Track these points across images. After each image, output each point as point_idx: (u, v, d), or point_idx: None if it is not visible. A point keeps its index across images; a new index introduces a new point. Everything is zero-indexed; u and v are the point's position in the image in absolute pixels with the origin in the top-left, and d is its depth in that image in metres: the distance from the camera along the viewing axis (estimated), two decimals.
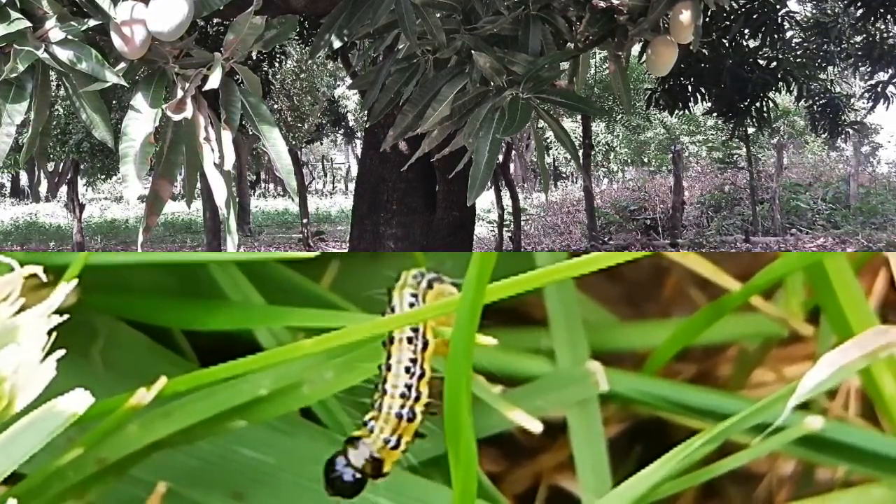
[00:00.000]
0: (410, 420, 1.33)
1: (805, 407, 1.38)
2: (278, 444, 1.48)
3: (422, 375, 1.35)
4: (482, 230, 11.47)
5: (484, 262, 1.25)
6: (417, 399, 1.34)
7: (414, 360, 1.35)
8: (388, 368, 1.36)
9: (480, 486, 1.38)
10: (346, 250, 7.07)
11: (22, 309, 1.23)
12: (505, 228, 9.01)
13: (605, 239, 11.77)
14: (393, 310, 1.38)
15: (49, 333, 1.22)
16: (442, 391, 1.33)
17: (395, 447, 1.32)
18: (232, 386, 1.41)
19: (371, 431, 1.32)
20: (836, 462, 1.52)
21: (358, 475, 1.30)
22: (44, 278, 1.27)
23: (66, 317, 1.23)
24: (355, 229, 4.38)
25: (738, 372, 1.70)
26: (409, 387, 1.34)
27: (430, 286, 1.39)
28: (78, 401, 1.19)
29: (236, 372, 1.39)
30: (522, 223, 9.99)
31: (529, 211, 14.63)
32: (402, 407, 1.33)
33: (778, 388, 1.45)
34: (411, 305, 1.37)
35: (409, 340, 1.36)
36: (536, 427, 1.46)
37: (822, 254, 1.51)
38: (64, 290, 1.25)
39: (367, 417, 1.34)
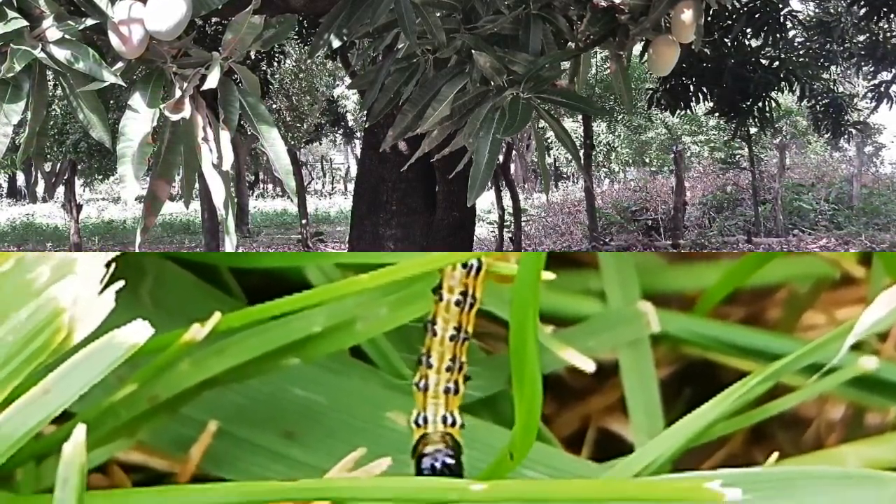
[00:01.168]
0: (456, 393, 1.34)
1: (857, 348, 1.36)
2: (329, 383, 1.46)
3: (465, 340, 1.35)
4: (482, 231, 11.46)
5: None
6: (461, 369, 1.35)
7: (458, 328, 1.34)
8: (434, 334, 1.35)
9: None
10: (345, 251, 7.05)
11: None
12: (505, 229, 9.00)
13: (607, 240, 11.75)
14: (441, 297, 1.35)
15: (107, 266, 1.20)
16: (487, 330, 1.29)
17: (454, 423, 1.33)
18: (285, 323, 1.39)
19: (425, 423, 1.32)
20: (888, 404, 1.51)
21: (448, 457, 1.28)
22: None
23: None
24: (355, 230, 4.35)
25: (789, 314, 1.67)
26: (453, 359, 1.34)
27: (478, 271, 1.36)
28: (137, 332, 1.18)
29: (290, 308, 1.37)
30: (523, 224, 9.98)
31: (530, 211, 14.63)
32: (449, 381, 1.34)
33: (829, 330, 1.42)
34: (462, 291, 1.35)
35: (458, 304, 1.34)
36: (589, 366, 1.44)
37: None
38: None
39: (412, 415, 1.33)
